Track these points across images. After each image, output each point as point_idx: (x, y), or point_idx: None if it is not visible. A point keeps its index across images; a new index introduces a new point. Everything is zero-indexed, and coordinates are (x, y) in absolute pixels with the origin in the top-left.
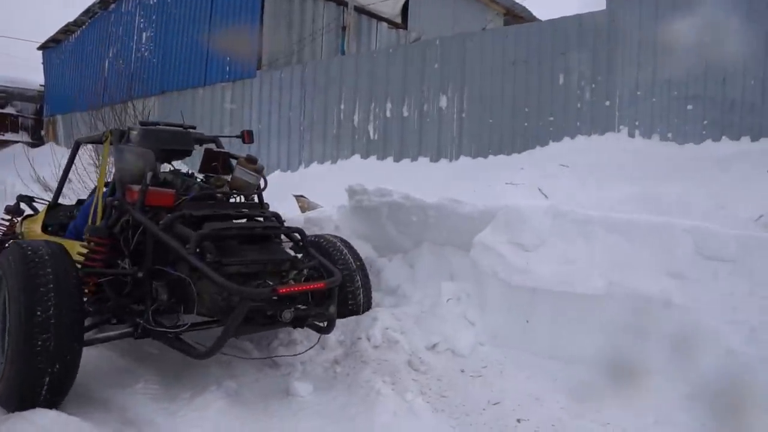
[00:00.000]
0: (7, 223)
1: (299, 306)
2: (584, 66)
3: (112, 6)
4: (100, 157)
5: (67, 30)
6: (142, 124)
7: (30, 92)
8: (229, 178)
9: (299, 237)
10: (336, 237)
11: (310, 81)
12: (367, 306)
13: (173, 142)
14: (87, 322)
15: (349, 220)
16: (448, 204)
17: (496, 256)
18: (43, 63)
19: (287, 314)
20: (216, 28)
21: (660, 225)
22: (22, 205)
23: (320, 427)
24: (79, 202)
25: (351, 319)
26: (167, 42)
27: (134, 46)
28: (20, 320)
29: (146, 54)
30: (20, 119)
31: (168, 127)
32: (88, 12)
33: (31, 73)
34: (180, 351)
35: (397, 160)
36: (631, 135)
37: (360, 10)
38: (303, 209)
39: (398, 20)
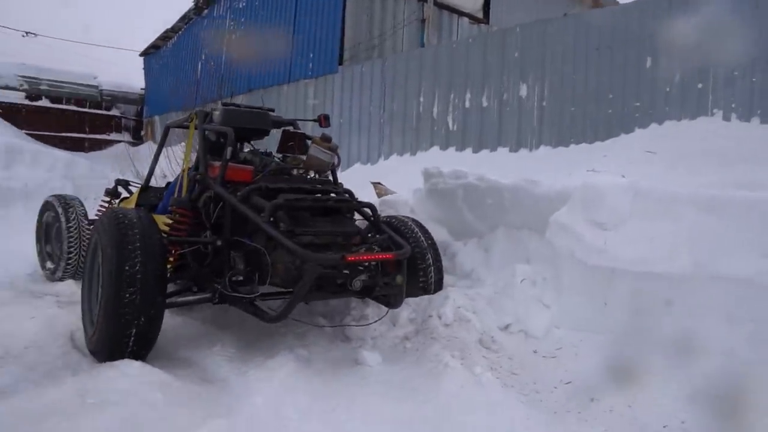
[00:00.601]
0: (107, 204)
1: (368, 275)
2: (674, 47)
3: (206, 11)
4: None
5: (165, 36)
6: (224, 104)
7: (132, 95)
8: (304, 157)
9: (370, 212)
10: (408, 217)
11: (390, 74)
12: (439, 286)
13: (251, 121)
14: (170, 289)
15: (425, 203)
16: (524, 185)
17: (573, 236)
18: (143, 68)
19: (356, 282)
20: (300, 27)
21: (758, 201)
22: (119, 189)
23: (385, 393)
24: (168, 184)
25: (423, 298)
26: (255, 43)
27: (225, 48)
28: (111, 276)
29: (236, 55)
30: (123, 121)
31: (247, 108)
32: (184, 18)
33: (134, 78)
34: (253, 315)
35: (476, 150)
36: (727, 118)
37: (440, 5)
38: (380, 195)
39: (479, 15)
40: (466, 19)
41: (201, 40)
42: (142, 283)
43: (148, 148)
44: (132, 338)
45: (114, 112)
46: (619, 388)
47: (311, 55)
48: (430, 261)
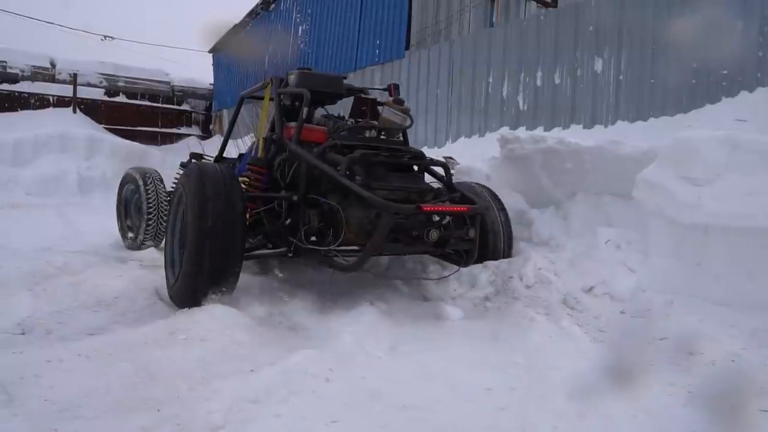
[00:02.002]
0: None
1: (442, 227)
2: None
3: (273, 5)
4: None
5: (233, 32)
6: (300, 69)
7: (201, 91)
8: (376, 123)
9: (443, 172)
10: (478, 183)
11: (457, 57)
12: (508, 253)
13: (325, 85)
14: (247, 245)
15: (501, 171)
16: (607, 146)
17: (663, 193)
18: (213, 64)
19: (433, 233)
20: (366, 15)
21: None
22: (194, 161)
23: (471, 342)
24: (240, 156)
25: (502, 261)
26: (321, 32)
27: (291, 40)
28: (193, 224)
29: (302, 46)
30: (193, 115)
31: (320, 73)
32: (252, 13)
33: (204, 74)
34: (328, 266)
35: (547, 129)
36: None
37: None
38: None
39: None
40: (533, 4)
41: (269, 33)
42: (222, 230)
43: (218, 141)
44: (210, 285)
45: (185, 107)
46: (717, 344)
47: (378, 42)
48: (500, 227)
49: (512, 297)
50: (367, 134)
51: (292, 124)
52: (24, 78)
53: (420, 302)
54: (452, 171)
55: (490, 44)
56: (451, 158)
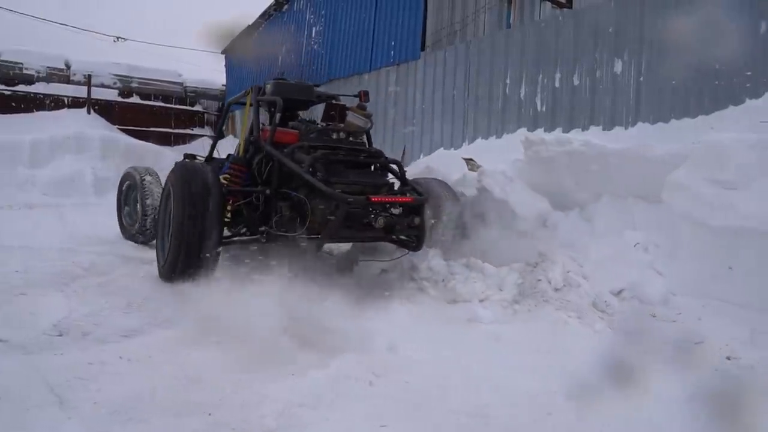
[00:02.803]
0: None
1: (390, 216)
2: None
3: (285, 6)
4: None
5: (246, 33)
6: (275, 79)
7: (213, 91)
8: (342, 126)
9: (397, 168)
10: (436, 179)
11: (474, 57)
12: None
13: (297, 92)
14: (227, 233)
15: (524, 173)
16: (635, 148)
17: (693, 197)
18: (225, 65)
19: (380, 220)
20: (381, 16)
21: None
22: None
23: (505, 345)
24: (228, 155)
25: (530, 262)
26: (334, 33)
27: (305, 41)
28: (178, 212)
29: (315, 47)
30: (205, 115)
31: (293, 81)
32: (265, 14)
33: (216, 75)
34: (295, 248)
35: (566, 130)
36: None
37: None
38: (471, 170)
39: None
40: (548, 4)
41: (282, 34)
42: (201, 220)
43: (231, 142)
44: (190, 266)
45: (197, 107)
46: (756, 348)
47: (393, 43)
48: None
49: (542, 300)
50: (334, 136)
51: (269, 127)
52: (39, 79)
53: (448, 304)
54: (476, 171)
55: (507, 45)
56: (471, 160)
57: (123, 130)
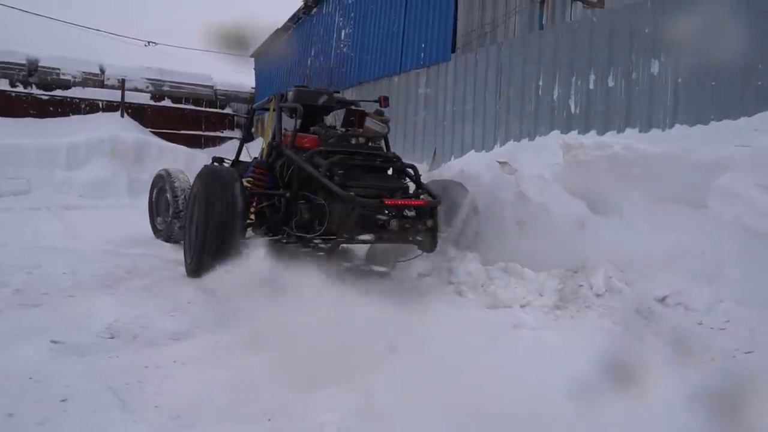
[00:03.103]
0: None
1: (403, 218)
2: None
3: (315, 10)
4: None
5: (275, 37)
6: (296, 86)
7: (243, 95)
8: (361, 131)
9: (412, 172)
10: (452, 181)
11: (506, 59)
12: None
13: (317, 99)
14: (250, 234)
15: (562, 177)
16: (678, 152)
17: (741, 202)
18: (254, 68)
19: (393, 222)
20: (411, 18)
21: None
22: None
23: (552, 353)
24: (254, 159)
25: (570, 267)
26: (364, 36)
27: (334, 44)
28: (203, 214)
29: (345, 49)
30: (235, 118)
31: (314, 89)
32: (294, 18)
33: (245, 79)
34: (312, 249)
35: (600, 132)
36: None
37: None
38: (506, 173)
39: None
40: (579, 4)
41: (310, 37)
42: (223, 221)
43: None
44: (214, 263)
45: (227, 110)
46: None
47: (423, 45)
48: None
49: (584, 306)
50: (353, 141)
51: (289, 133)
52: (75, 84)
53: (489, 309)
54: (511, 174)
55: (540, 46)
56: (506, 163)
57: (155, 133)
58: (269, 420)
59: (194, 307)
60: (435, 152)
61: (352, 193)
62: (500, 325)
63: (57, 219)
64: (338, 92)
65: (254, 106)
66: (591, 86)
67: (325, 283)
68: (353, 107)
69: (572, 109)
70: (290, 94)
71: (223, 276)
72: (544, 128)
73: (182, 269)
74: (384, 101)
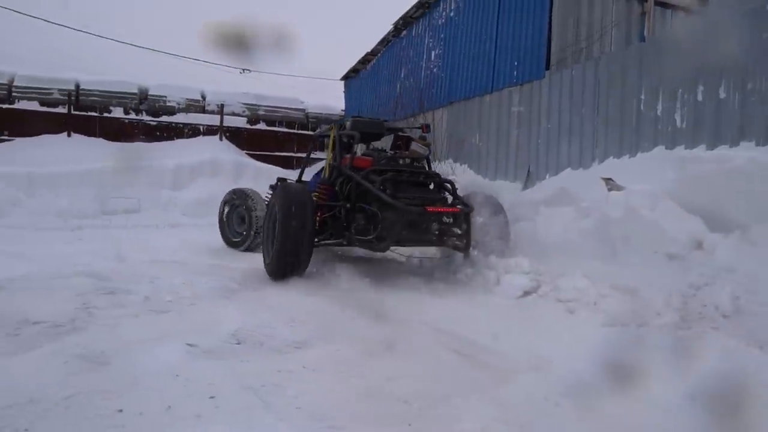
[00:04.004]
0: (271, 195)
1: (442, 224)
2: None
3: (404, 32)
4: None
5: (364, 60)
6: (353, 117)
7: (333, 116)
8: (407, 153)
9: (450, 186)
10: (483, 193)
11: (604, 74)
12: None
13: (370, 127)
14: (318, 238)
15: (674, 192)
16: None
17: None
18: (344, 91)
19: (434, 226)
20: (503, 37)
21: None
22: (281, 183)
23: (692, 378)
24: (314, 175)
25: (691, 285)
26: (454, 56)
27: (423, 65)
28: (282, 223)
29: (435, 70)
30: (325, 140)
31: (368, 118)
32: (383, 41)
33: (335, 101)
34: (369, 249)
35: (710, 147)
36: None
37: (655, 1)
38: (610, 190)
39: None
40: (680, 14)
41: (400, 59)
42: (299, 228)
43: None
44: (290, 265)
45: (318, 132)
46: None
47: (516, 63)
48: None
49: (709, 326)
50: (401, 161)
51: (348, 155)
52: (180, 110)
53: (604, 327)
54: (617, 191)
55: (641, 59)
56: (611, 180)
57: (250, 155)
58: (409, 425)
59: (308, 317)
60: (529, 171)
61: (403, 204)
62: (618, 344)
63: (166, 236)
64: (387, 120)
65: (317, 132)
66: (699, 98)
67: (428, 295)
68: (400, 133)
69: (678, 123)
70: (348, 124)
71: (307, 282)
72: (647, 143)
73: (290, 285)
74: (426, 128)
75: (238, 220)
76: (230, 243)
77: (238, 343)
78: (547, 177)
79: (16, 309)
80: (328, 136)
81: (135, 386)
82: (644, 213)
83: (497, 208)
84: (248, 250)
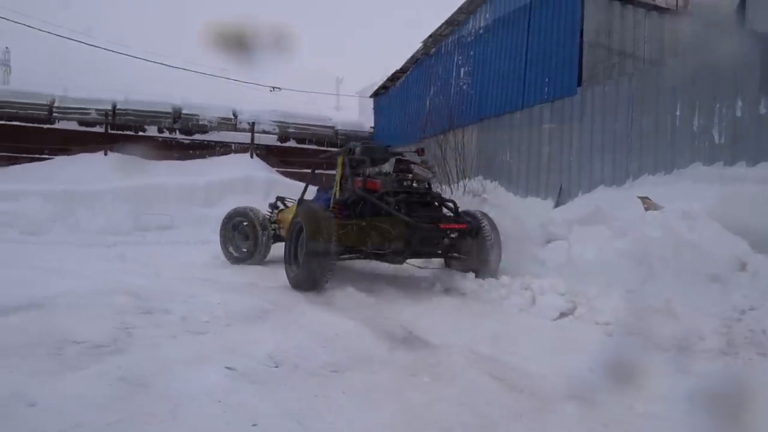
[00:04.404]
0: (270, 212)
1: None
2: None
3: (433, 50)
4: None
5: (393, 77)
6: (362, 143)
7: (362, 134)
8: (410, 175)
9: (452, 205)
10: (480, 212)
11: (638, 90)
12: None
13: (377, 152)
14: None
15: (716, 211)
16: None
17: None
18: (373, 108)
19: (446, 240)
20: (533, 54)
21: None
22: (278, 203)
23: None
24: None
25: (735, 308)
26: (484, 74)
27: (453, 82)
28: (307, 241)
29: (464, 87)
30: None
31: (374, 144)
32: (413, 59)
33: (365, 118)
34: (385, 261)
35: (750, 164)
36: None
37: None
38: (647, 209)
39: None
40: (717, 29)
41: (429, 76)
42: (325, 242)
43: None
44: (316, 277)
45: None
46: None
47: (546, 80)
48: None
49: (757, 353)
50: (405, 183)
51: (359, 178)
52: (212, 128)
53: (652, 354)
54: (653, 209)
55: (675, 74)
56: (647, 198)
57: (280, 172)
58: None
59: (342, 338)
60: (561, 188)
61: (414, 221)
62: (661, 370)
63: (198, 252)
64: (390, 146)
65: (323, 156)
66: (738, 113)
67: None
68: (401, 157)
69: (716, 139)
70: (358, 149)
71: (339, 302)
72: (683, 160)
73: (322, 305)
74: (421, 151)
75: (241, 237)
76: (233, 259)
77: (276, 366)
78: (580, 194)
79: (57, 327)
80: (335, 158)
81: (177, 411)
82: (683, 233)
83: (492, 226)
84: (239, 263)
